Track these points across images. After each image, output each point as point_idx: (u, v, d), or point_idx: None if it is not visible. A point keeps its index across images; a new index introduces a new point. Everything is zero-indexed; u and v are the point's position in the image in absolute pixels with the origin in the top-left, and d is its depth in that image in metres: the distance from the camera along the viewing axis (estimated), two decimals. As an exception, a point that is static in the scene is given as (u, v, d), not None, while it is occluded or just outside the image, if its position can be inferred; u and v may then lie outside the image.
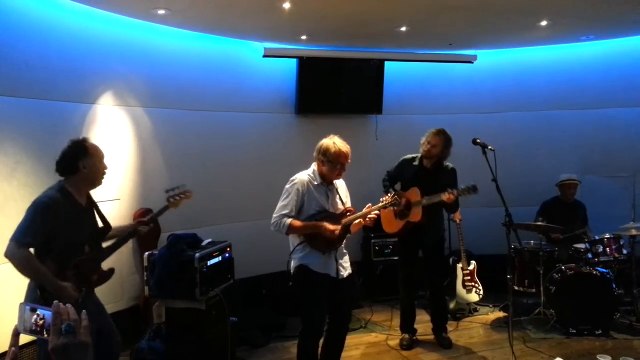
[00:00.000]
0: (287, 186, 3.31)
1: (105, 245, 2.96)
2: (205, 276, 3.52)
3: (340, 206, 3.39)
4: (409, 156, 4.37)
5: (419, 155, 4.28)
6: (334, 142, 3.27)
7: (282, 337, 4.51)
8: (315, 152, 3.33)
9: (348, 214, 3.35)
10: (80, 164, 2.69)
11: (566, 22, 4.71)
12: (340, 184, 3.47)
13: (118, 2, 3.84)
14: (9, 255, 2.51)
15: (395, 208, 4.15)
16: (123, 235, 2.99)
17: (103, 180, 2.86)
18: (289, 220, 3.18)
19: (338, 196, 3.41)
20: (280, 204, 3.27)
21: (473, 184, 3.84)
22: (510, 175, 4.69)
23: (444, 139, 4.11)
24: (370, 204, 3.35)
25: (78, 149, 2.72)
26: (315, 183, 3.30)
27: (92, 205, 2.91)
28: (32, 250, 2.57)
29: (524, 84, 5.94)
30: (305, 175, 3.32)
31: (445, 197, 3.88)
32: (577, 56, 5.75)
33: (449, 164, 4.26)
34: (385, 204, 3.36)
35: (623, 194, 5.55)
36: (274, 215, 3.25)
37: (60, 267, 2.60)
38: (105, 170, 2.84)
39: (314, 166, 3.37)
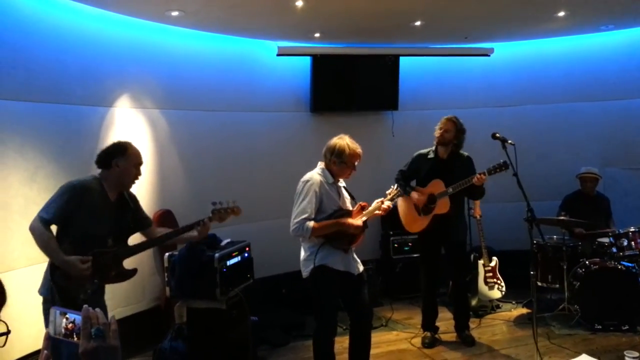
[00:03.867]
0: (302, 187, 3.25)
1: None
2: (225, 276, 3.51)
3: (349, 203, 3.41)
4: (423, 150, 4.33)
5: (433, 147, 4.26)
6: (347, 143, 3.27)
7: (302, 335, 4.50)
8: (327, 152, 3.32)
9: (362, 209, 3.36)
10: (113, 161, 2.81)
11: (584, 11, 4.61)
12: (341, 181, 3.49)
13: (132, 4, 3.86)
14: (30, 227, 2.67)
15: (419, 205, 4.14)
16: (162, 235, 3.04)
17: (132, 185, 2.94)
18: (311, 223, 3.14)
19: (346, 193, 3.43)
20: (298, 208, 3.20)
21: (503, 160, 3.77)
22: (530, 169, 4.62)
23: (455, 123, 4.12)
24: (382, 198, 3.44)
25: (117, 147, 2.86)
26: (329, 182, 3.29)
27: (125, 203, 2.95)
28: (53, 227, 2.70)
29: (542, 76, 5.83)
30: (317, 175, 3.28)
31: (476, 179, 3.86)
32: (597, 46, 5.63)
33: (464, 152, 4.22)
34: (393, 196, 3.48)
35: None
36: (294, 221, 3.18)
37: (75, 253, 2.65)
38: (138, 177, 2.92)
39: (322, 165, 3.35)
